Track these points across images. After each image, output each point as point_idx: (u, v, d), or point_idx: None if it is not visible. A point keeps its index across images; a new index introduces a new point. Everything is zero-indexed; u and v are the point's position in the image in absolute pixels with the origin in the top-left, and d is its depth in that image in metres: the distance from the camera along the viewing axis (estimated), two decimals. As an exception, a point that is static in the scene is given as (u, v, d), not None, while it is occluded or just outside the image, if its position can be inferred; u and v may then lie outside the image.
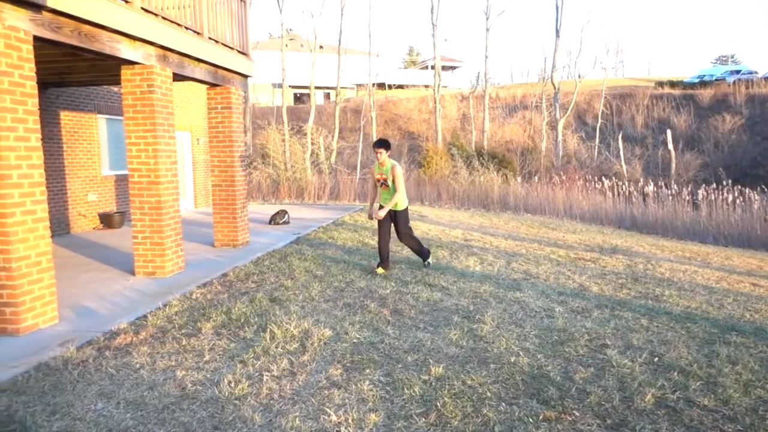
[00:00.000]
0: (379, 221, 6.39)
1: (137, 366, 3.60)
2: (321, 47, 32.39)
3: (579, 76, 32.22)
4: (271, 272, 6.23)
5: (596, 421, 2.96)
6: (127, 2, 5.56)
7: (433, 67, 31.33)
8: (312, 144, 21.84)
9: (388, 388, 3.33)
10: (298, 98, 42.44)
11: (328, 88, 40.49)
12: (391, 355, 3.86)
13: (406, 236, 6.53)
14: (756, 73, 37.20)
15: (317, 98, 39.73)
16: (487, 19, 28.14)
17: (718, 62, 57.05)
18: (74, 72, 7.45)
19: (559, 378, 3.51)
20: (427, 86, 41.13)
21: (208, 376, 3.47)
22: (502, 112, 33.35)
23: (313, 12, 40.31)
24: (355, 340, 4.13)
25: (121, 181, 10.82)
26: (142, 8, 5.71)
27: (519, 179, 18.60)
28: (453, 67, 49.39)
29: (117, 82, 6.30)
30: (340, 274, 6.24)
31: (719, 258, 9.14)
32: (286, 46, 26.30)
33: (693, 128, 29.84)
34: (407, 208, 6.57)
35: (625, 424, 2.93)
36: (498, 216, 14.15)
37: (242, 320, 4.51)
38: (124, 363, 3.65)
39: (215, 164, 8.00)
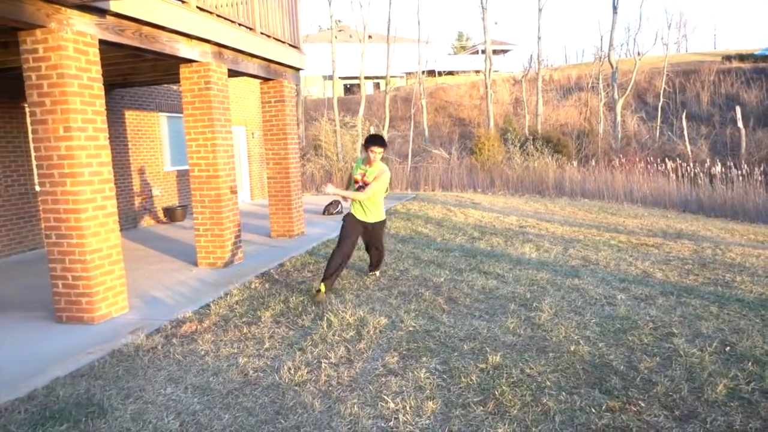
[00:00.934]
0: (348, 229, 5.19)
1: (202, 353, 3.75)
2: (370, 37, 32.40)
3: (638, 54, 30.80)
4: (326, 262, 6.32)
5: (663, 412, 2.85)
6: (183, 2, 5.74)
7: (483, 52, 30.73)
8: (362, 134, 21.95)
9: (445, 376, 3.33)
10: (348, 89, 42.69)
11: (377, 77, 40.52)
12: (447, 344, 3.85)
13: (377, 252, 5.58)
14: (837, 41, 34.29)
15: (367, 88, 39.86)
16: (540, -1, 27.25)
17: (794, 31, 52.93)
18: (137, 73, 7.77)
19: (622, 367, 3.40)
20: (477, 71, 40.45)
21: (269, 362, 3.57)
22: (557, 95, 32.36)
23: (361, 2, 40.27)
24: (410, 328, 4.15)
25: (182, 176, 11.25)
26: (198, 7, 5.88)
27: (575, 163, 18.04)
28: (504, 51, 48.28)
29: (176, 80, 6.54)
30: (394, 262, 6.26)
31: (797, 241, 8.57)
32: (336, 37, 26.46)
33: (765, 104, 27.96)
34: (385, 221, 5.56)
35: (695, 416, 2.81)
36: (553, 202, 13.80)
37: (300, 309, 4.61)
38: (190, 350, 3.82)
39: (270, 157, 8.18)
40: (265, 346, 3.85)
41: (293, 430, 2.77)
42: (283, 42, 7.90)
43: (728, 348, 3.68)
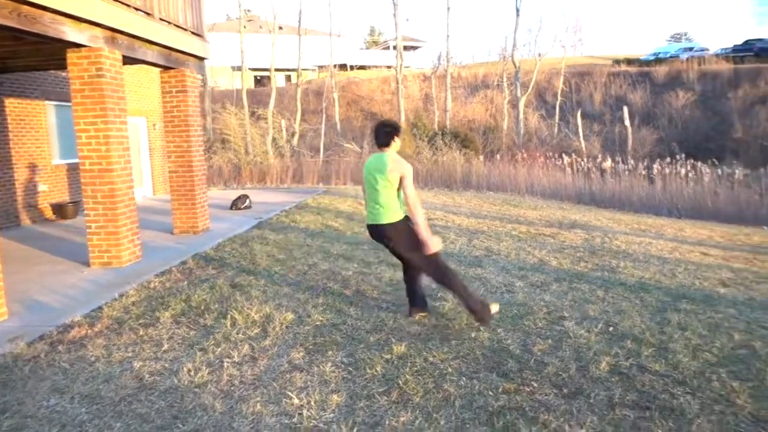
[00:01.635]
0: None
1: (92, 359, 3.51)
2: (281, 28, 31.70)
3: (539, 55, 32.54)
4: (232, 258, 6.14)
5: (553, 390, 3.05)
6: (68, -19, 5.30)
7: (395, 48, 31.10)
8: (273, 127, 21.49)
9: (351, 369, 3.34)
10: (259, 81, 41.61)
11: (288, 70, 39.79)
12: (354, 336, 3.87)
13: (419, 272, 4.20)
14: (707, 50, 38.33)
15: (278, 80, 39.03)
16: (447, -3, 28.00)
17: (672, 40, 58.48)
18: (18, 57, 7.08)
19: (518, 351, 3.59)
20: (389, 67, 40.86)
21: (167, 365, 3.41)
22: (465, 92, 33.46)
23: (270, -8, 39.29)
24: (317, 323, 4.12)
25: (74, 170, 10.43)
26: (85, -13, 5.46)
27: (481, 158, 18.77)
28: (415, 47, 49.16)
29: (64, 66, 6.03)
30: (303, 257, 6.20)
31: (672, 229, 9.46)
32: (245, 27, 25.64)
33: (649, 104, 30.61)
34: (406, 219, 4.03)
35: (580, 392, 3.02)
36: (461, 195, 14.28)
37: (202, 307, 4.44)
38: (78, 357, 3.55)
39: (171, 149, 7.78)
40: (163, 348, 3.67)
41: (192, 433, 2.66)
42: (185, 29, 7.54)
43: (611, 328, 4.00)
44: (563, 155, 18.39)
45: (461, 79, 35.06)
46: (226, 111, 19.83)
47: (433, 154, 18.53)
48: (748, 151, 23.17)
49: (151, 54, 6.82)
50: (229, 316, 4.20)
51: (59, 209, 9.74)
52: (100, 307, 4.49)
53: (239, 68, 26.31)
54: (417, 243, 3.90)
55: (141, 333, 3.93)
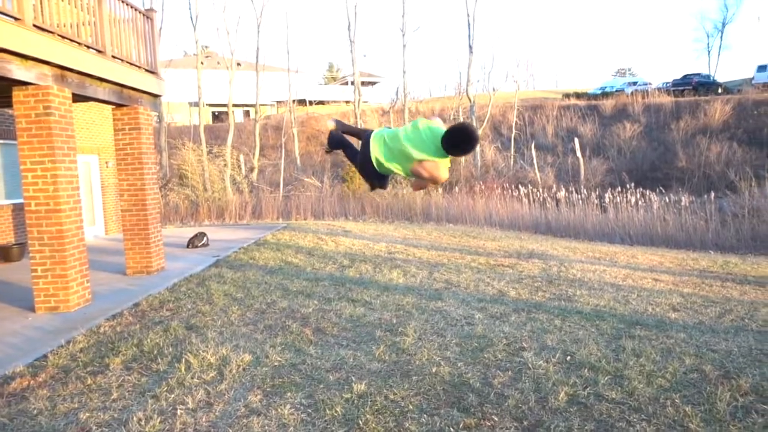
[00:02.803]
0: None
1: (34, 412, 3.31)
2: (239, 64, 31.79)
3: (493, 90, 33.62)
4: (187, 298, 5.97)
5: (514, 424, 3.04)
6: (17, 19, 5.20)
7: (353, 83, 31.59)
8: (232, 162, 21.30)
9: (310, 410, 3.26)
10: (217, 116, 41.40)
11: (247, 105, 39.78)
12: (313, 376, 3.79)
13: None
14: (650, 84, 40.47)
15: (237, 116, 38.92)
16: (404, 35, 28.80)
17: (618, 74, 61.59)
18: (-41, 94, 6.85)
19: (478, 384, 3.59)
20: (348, 101, 41.41)
21: (116, 415, 3.24)
22: (423, 126, 34.07)
23: (228, 29, 39.55)
24: (276, 363, 4.02)
25: (19, 211, 10.01)
26: (35, 25, 5.37)
27: (440, 190, 19.03)
28: (373, 83, 50.08)
29: (10, 104, 5.84)
30: (261, 295, 6.08)
31: (625, 257, 9.76)
32: (202, 63, 25.59)
33: (598, 136, 31.87)
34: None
35: (540, 424, 3.03)
36: (421, 227, 14.40)
37: (155, 352, 4.27)
38: (19, 410, 3.34)
39: (124, 188, 7.59)
40: (112, 397, 3.50)
41: (141, 488, 2.52)
42: (139, 66, 7.46)
43: (569, 357, 4.05)
44: (519, 186, 18.86)
45: (419, 113, 35.79)
46: (184, 147, 19.55)
47: (393, 187, 18.68)
48: (693, 179, 24.32)
49: (102, 91, 6.70)
50: (183, 360, 4.05)
51: (3, 251, 9.29)
52: (44, 356, 4.26)
53: (197, 104, 26.14)
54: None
55: (89, 381, 3.74)
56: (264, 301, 5.84)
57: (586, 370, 3.77)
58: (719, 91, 35.74)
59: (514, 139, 31.56)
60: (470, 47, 28.44)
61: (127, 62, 7.14)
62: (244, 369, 3.92)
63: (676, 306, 5.74)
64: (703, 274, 7.95)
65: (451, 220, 16.44)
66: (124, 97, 7.22)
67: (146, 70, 7.65)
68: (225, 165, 19.89)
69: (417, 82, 74.85)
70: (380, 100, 43.78)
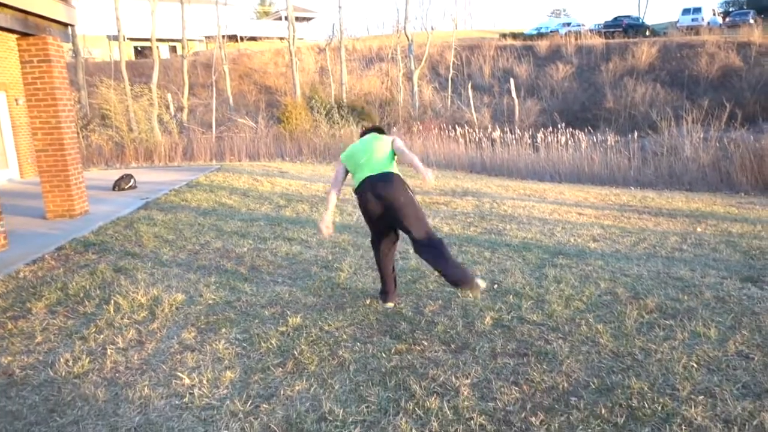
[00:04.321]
0: (372, 218, 3.72)
1: (-50, 358, 3.16)
2: (161, -5, 29.48)
3: (431, 28, 33.16)
4: (115, 241, 5.75)
5: (442, 347, 3.21)
6: None
7: (286, 18, 30.20)
8: (159, 102, 20.16)
9: (245, 345, 3.30)
10: (140, 52, 38.70)
11: (173, 40, 37.34)
12: (249, 312, 3.81)
13: (425, 235, 3.56)
14: (583, 25, 41.13)
15: (163, 52, 36.55)
16: (339, -33, 27.54)
17: (553, 15, 62.09)
18: None
19: (410, 313, 3.73)
20: (282, 38, 39.69)
21: (41, 358, 3.16)
22: (360, 65, 33.38)
23: (148, -46, 36.38)
24: (210, 302, 4.00)
25: None
26: None
27: (378, 131, 18.92)
28: (308, 18, 48.05)
29: None
30: (194, 236, 5.95)
31: (554, 193, 10.20)
32: (119, -8, 23.53)
33: (533, 77, 32.38)
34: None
35: (466, 346, 3.21)
36: (359, 168, 14.37)
37: (81, 295, 4.13)
38: (-68, 357, 3.18)
39: (37, 126, 7.06)
40: (36, 341, 3.39)
41: (72, 426, 2.50)
42: (44, -9, 6.78)
43: (496, 285, 4.27)
44: (456, 127, 19.04)
45: (356, 51, 34.94)
46: (104, 84, 18.24)
47: (331, 127, 18.40)
48: (619, 119, 25.37)
49: (3, 18, 6.08)
50: (112, 302, 3.95)
51: None
52: (-42, 303, 4.04)
53: (116, 38, 24.25)
54: (421, 213, 3.66)
55: (9, 326, 3.59)
56: (197, 242, 5.72)
57: (511, 297, 3.99)
58: (647, 33, 36.86)
59: (452, 79, 31.54)
60: (408, -18, 27.66)
61: (31, -14, 6.47)
62: (177, 308, 3.88)
63: (596, 237, 6.11)
64: (623, 208, 8.45)
65: (389, 161, 16.47)
66: (29, 26, 6.58)
67: (54, -4, 6.97)
68: (151, 104, 18.80)
69: (354, 19, 72.52)
70: (316, 38, 42.26)
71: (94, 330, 3.51)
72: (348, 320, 3.61)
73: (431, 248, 3.48)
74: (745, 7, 42.62)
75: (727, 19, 38.34)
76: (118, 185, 9.36)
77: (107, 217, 7.00)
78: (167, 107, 20.24)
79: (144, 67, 29.96)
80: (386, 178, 3.59)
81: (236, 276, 4.60)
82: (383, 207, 3.56)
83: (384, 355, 3.11)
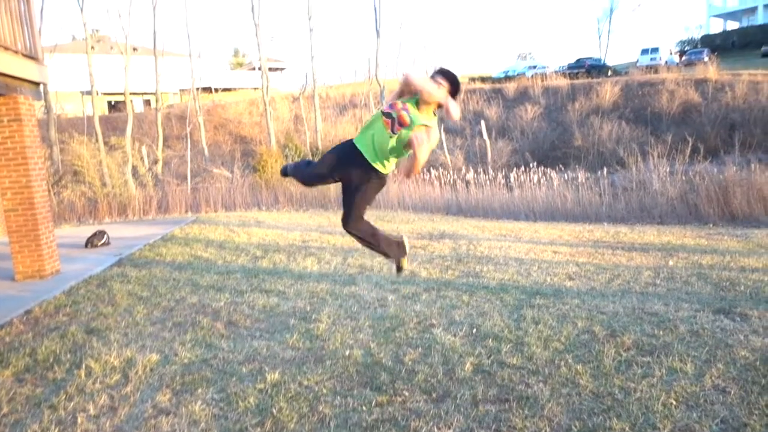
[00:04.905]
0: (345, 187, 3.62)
1: None
2: (135, 50, 29.90)
3: (403, 74, 34.06)
4: (87, 301, 5.62)
5: (423, 396, 3.18)
6: None
7: (260, 69, 30.77)
8: (133, 155, 20.12)
9: (222, 404, 3.21)
10: (114, 106, 38.84)
11: (147, 93, 37.61)
12: (226, 370, 3.73)
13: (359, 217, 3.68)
14: (547, 67, 42.77)
15: (136, 106, 36.74)
16: (310, 19, 28.41)
17: (519, 58, 64.47)
18: None
19: (390, 363, 3.69)
20: (256, 88, 40.30)
21: (7, 431, 3.03)
22: (334, 112, 33.97)
23: (120, 12, 37.04)
24: (185, 361, 3.91)
25: None
26: None
27: (354, 176, 19.09)
28: (281, 68, 49.05)
29: None
30: (169, 292, 5.85)
31: (529, 232, 10.34)
32: (93, 48, 23.83)
33: (503, 118, 33.32)
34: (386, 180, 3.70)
35: (448, 395, 3.18)
36: (336, 214, 14.40)
37: (51, 360, 4.00)
38: None
39: (7, 186, 6.97)
40: (2, 412, 3.25)
41: (38, 503, 2.38)
42: (16, 51, 6.83)
43: (475, 330, 4.27)
44: (431, 169, 19.34)
45: (330, 99, 35.60)
46: (75, 140, 18.17)
47: (306, 174, 18.51)
48: (588, 156, 26.09)
49: (-26, 81, 6.08)
50: (83, 366, 3.83)
51: None
52: None
53: (90, 92, 24.35)
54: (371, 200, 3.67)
55: (-27, 398, 3.44)
56: (172, 298, 5.62)
57: (490, 341, 3.99)
58: (609, 73, 38.44)
59: (424, 123, 32.19)
60: (377, 32, 28.59)
61: (2, 47, 6.52)
62: (151, 369, 3.77)
63: (571, 275, 6.19)
64: (597, 244, 8.60)
65: (366, 205, 16.57)
66: (0, 86, 6.59)
67: (25, 56, 7.02)
68: (125, 158, 18.75)
69: (326, 68, 74.24)
70: (290, 87, 43.03)
71: (64, 397, 3.39)
72: (327, 373, 3.56)
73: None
74: (699, 46, 44.90)
75: (683, 58, 40.29)
76: (91, 242, 9.21)
77: (79, 276, 6.86)
78: (142, 160, 20.20)
79: (118, 121, 30.02)
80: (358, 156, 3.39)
81: (213, 332, 4.52)
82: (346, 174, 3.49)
83: (365, 408, 3.06)
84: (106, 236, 9.40)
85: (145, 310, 5.23)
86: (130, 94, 23.94)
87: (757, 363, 3.42)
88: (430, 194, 17.21)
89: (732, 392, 3.06)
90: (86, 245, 9.21)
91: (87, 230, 11.21)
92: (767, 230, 9.45)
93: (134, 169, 19.00)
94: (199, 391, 3.40)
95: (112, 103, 39.11)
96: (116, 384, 3.57)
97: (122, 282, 6.37)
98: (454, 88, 3.42)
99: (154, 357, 3.96)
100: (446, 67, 3.50)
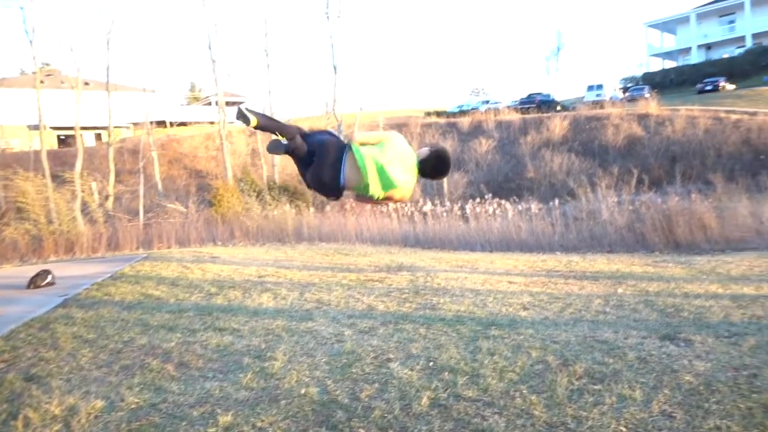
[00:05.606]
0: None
1: None
2: (87, 84, 29.31)
3: (360, 109, 34.54)
4: (27, 346, 5.33)
5: (379, 434, 3.14)
6: None
7: (216, 103, 30.61)
8: (83, 191, 19.49)
9: (171, 451, 3.09)
10: (63, 141, 37.74)
11: (99, 128, 36.76)
12: (175, 414, 3.59)
13: None
14: (500, 102, 44.31)
15: (88, 140, 35.81)
16: (267, 56, 28.63)
17: (473, 93, 66.59)
18: None
19: (347, 400, 3.64)
20: (212, 123, 39.98)
21: (-68, 490, 2.81)
22: (292, 146, 33.96)
23: (72, 46, 36.34)
24: (133, 406, 3.75)
25: None
26: None
27: (312, 210, 19.06)
28: (238, 102, 48.94)
29: None
30: (117, 334, 5.62)
31: (485, 263, 10.50)
32: (42, 82, 23.23)
33: (458, 151, 34.08)
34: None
35: (404, 431, 3.16)
36: (293, 248, 14.28)
37: (-15, 411, 3.76)
38: None
39: (-57, 226, 6.62)
40: (-73, 470, 3.02)
41: None
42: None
43: (431, 363, 4.27)
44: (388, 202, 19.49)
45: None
46: (19, 176, 17.49)
47: (263, 209, 18.35)
48: (540, 187, 26.92)
49: None
50: (20, 417, 3.61)
51: None
52: None
53: (37, 127, 23.58)
54: None
55: None
56: (120, 340, 5.40)
57: (446, 373, 4.00)
58: (558, 108, 40.09)
59: (382, 156, 32.57)
60: (334, 67, 29.02)
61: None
62: (95, 417, 3.60)
63: (526, 305, 6.30)
64: (550, 274, 8.81)
65: (324, 239, 16.50)
66: (-62, 123, 6.33)
67: (-34, 92, 6.79)
68: (75, 193, 18.14)
69: (284, 102, 74.54)
70: (247, 121, 42.88)
71: (-2, 451, 3.18)
72: (282, 413, 3.48)
73: None
74: (640, 83, 47.49)
75: (627, 94, 42.52)
76: (34, 282, 8.78)
77: (20, 318, 6.51)
78: (92, 195, 19.59)
79: (67, 155, 29.13)
80: None
81: (162, 374, 4.36)
82: None
83: (320, 448, 3.00)
84: (50, 276, 9.00)
85: (91, 353, 5.01)
86: (81, 128, 23.34)
87: (701, 387, 3.55)
88: (387, 226, 17.31)
89: (677, 417, 3.16)
90: (29, 286, 8.77)
91: (30, 270, 10.70)
92: (708, 257, 9.92)
93: (84, 204, 18.37)
94: (147, 438, 3.26)
95: (62, 137, 38.00)
96: (56, 434, 3.38)
97: (67, 324, 6.09)
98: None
99: (99, 403, 3.78)
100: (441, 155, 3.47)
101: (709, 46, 52.75)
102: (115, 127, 28.26)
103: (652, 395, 3.47)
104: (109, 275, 9.57)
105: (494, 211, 17.19)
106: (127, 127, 40.36)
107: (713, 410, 3.23)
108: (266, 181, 24.24)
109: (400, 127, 36.98)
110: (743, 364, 3.93)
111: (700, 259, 9.44)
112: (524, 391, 3.61)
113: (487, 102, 45.26)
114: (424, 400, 3.53)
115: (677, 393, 3.49)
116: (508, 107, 41.19)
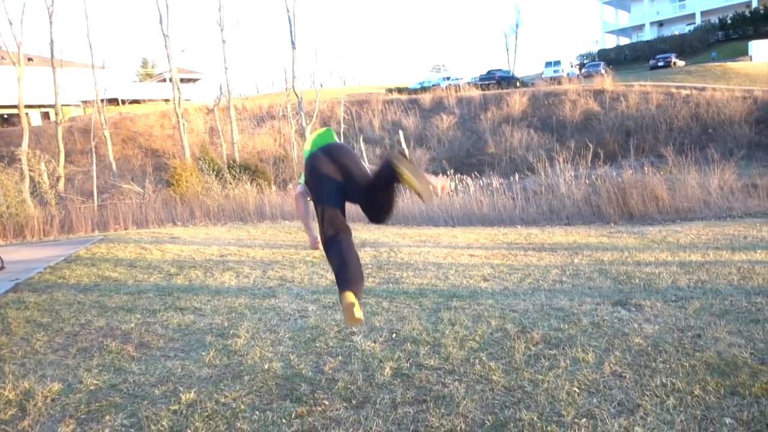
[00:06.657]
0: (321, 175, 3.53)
1: None
2: (30, 60, 27.89)
3: (320, 85, 34.09)
4: (-20, 332, 5.14)
5: (343, 404, 3.19)
6: None
7: (171, 80, 29.63)
8: (31, 172, 18.68)
9: (133, 430, 3.06)
10: (7, 120, 35.94)
11: (45, 106, 35.13)
12: (136, 394, 3.55)
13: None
14: (461, 78, 44.41)
15: (34, 119, 34.21)
16: (222, 30, 27.78)
17: (434, 70, 66.48)
18: None
19: (310, 373, 3.68)
20: (167, 100, 38.76)
21: None
22: (251, 123, 33.36)
23: (11, 19, 34.26)
24: (92, 388, 3.68)
25: None
26: None
27: (274, 188, 18.84)
28: (194, 80, 47.52)
29: None
30: (73, 317, 5.48)
31: (447, 238, 10.65)
32: (-20, 58, 21.93)
33: (420, 128, 34.16)
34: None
35: (368, 400, 3.22)
36: (256, 227, 14.12)
37: (-66, 399, 3.63)
38: None
39: None
40: None
41: None
42: None
43: (394, 335, 4.34)
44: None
45: (246, 110, 34.94)
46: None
47: (223, 188, 18.02)
48: (501, 163, 27.31)
49: None
50: (-28, 403, 3.51)
51: None
52: None
53: (-22, 106, 22.36)
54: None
55: None
56: (77, 323, 5.27)
57: (409, 344, 4.08)
58: (517, 84, 40.51)
59: (344, 133, 32.39)
60: (293, 43, 28.43)
61: None
62: (52, 399, 3.52)
63: (486, 276, 6.45)
64: (510, 246, 9.01)
65: (286, 217, 16.36)
66: None
67: None
68: (24, 174, 17.37)
69: (242, 79, 72.80)
70: (204, 98, 41.76)
71: (-51, 438, 3.09)
72: (246, 389, 3.49)
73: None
74: (596, 60, 48.36)
75: (583, 70, 43.26)
76: (-18, 267, 8.42)
77: (-32, 304, 6.26)
78: (41, 176, 18.80)
79: (12, 135, 27.82)
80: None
81: (122, 355, 4.29)
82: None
83: (284, 420, 3.03)
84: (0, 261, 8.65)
85: (46, 337, 4.87)
86: (26, 106, 22.23)
87: (649, 348, 3.74)
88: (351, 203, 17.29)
89: (627, 377, 3.32)
90: (-24, 271, 8.41)
91: (-23, 255, 10.25)
92: (659, 227, 10.32)
93: (33, 186, 17.63)
94: (107, 418, 3.22)
95: (6, 116, 36.15)
96: (11, 419, 3.30)
97: (19, 309, 5.89)
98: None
99: (56, 386, 3.70)
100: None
101: (661, 23, 54.06)
102: (63, 105, 27.03)
103: (604, 357, 3.63)
104: (63, 258, 9.27)
105: (456, 187, 17.37)
106: (77, 106, 38.67)
107: (660, 369, 3.41)
108: (226, 160, 23.78)
109: (362, 103, 36.75)
110: (688, 326, 4.15)
111: (652, 229, 9.82)
112: (483, 358, 3.72)
113: (448, 78, 45.32)
114: (387, 370, 3.59)
115: (627, 354, 3.66)
116: (469, 84, 41.38)
